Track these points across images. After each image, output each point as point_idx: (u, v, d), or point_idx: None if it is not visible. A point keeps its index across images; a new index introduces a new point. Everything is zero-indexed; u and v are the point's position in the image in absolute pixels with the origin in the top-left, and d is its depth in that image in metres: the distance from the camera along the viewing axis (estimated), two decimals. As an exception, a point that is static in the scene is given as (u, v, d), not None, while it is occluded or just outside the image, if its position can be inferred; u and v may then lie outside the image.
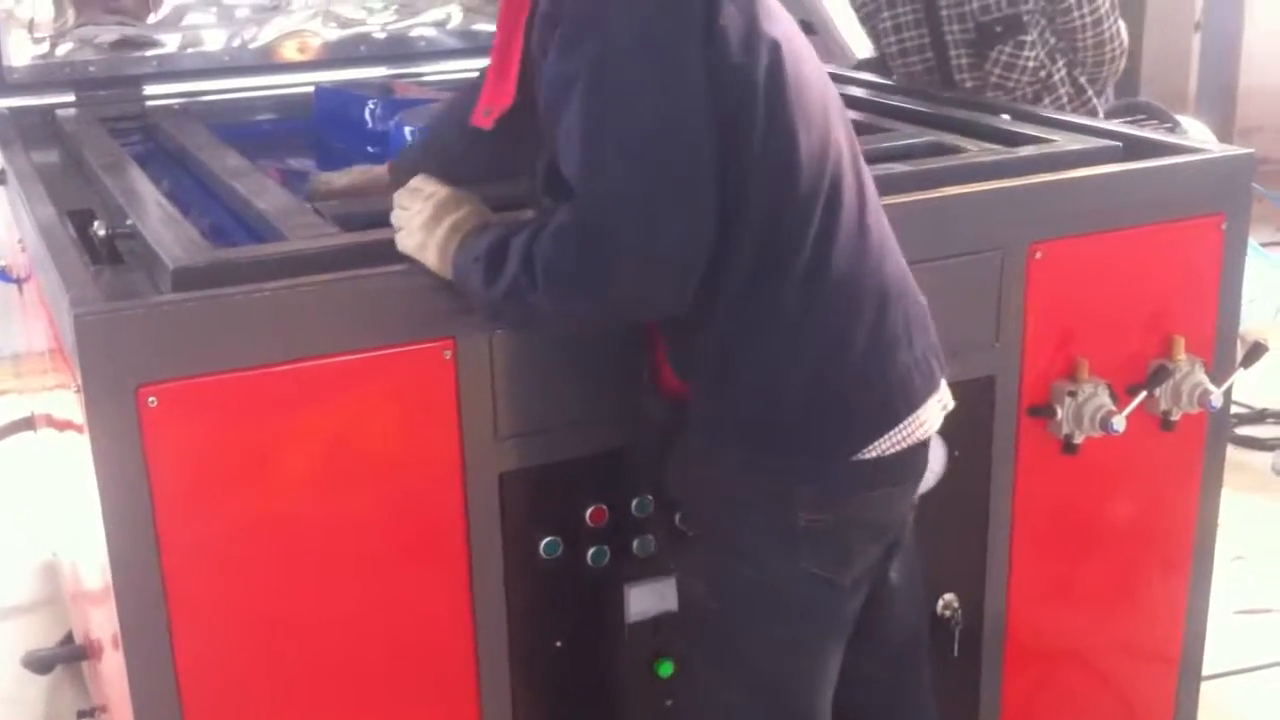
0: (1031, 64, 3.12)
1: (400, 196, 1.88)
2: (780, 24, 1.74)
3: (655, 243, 1.61)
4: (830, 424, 1.77)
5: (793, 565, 1.80)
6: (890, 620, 2.02)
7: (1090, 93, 3.24)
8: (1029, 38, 3.10)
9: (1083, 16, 3.12)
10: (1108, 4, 3.15)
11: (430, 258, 1.81)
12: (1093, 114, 3.18)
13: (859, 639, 1.98)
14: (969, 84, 3.16)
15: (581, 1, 1.65)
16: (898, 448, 1.78)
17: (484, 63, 3.32)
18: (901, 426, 1.78)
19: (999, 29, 3.10)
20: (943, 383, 1.87)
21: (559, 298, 1.66)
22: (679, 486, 1.89)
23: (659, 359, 1.84)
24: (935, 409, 1.85)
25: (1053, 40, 3.15)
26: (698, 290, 1.68)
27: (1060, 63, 3.17)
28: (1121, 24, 3.22)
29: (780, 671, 1.88)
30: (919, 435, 1.81)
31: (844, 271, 1.74)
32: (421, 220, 1.82)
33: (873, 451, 1.77)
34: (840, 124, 1.79)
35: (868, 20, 3.18)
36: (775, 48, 1.69)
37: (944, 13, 3.13)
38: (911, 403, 1.79)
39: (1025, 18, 3.09)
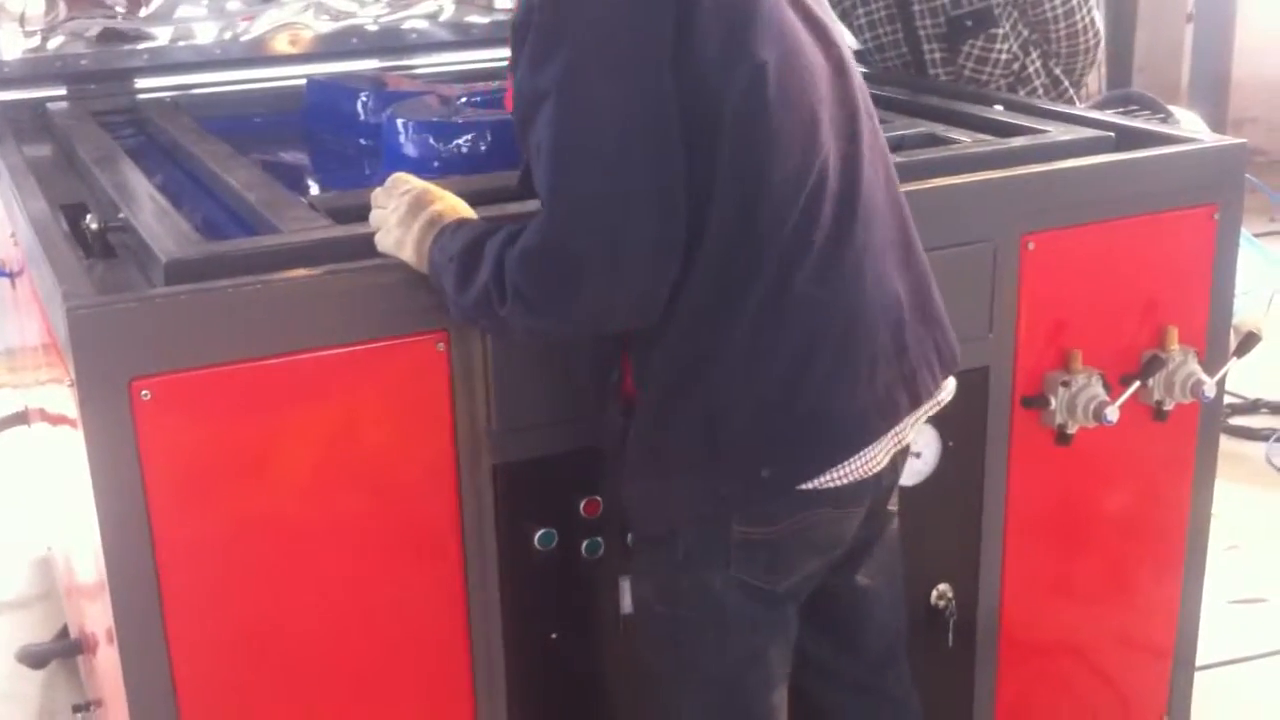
0: (1004, 57, 3.12)
1: (377, 195, 1.88)
2: (780, 42, 1.69)
3: (619, 264, 1.60)
4: (769, 457, 1.74)
5: (724, 573, 1.80)
6: (869, 625, 2.02)
7: (1067, 84, 3.24)
8: (1000, 30, 3.10)
9: (1054, 8, 3.12)
10: None
11: (407, 253, 1.81)
12: (1070, 106, 3.18)
13: (838, 645, 1.99)
14: (943, 78, 3.16)
15: (548, 15, 1.63)
16: (839, 483, 1.75)
17: (475, 55, 3.32)
18: (846, 464, 1.75)
19: (970, 23, 3.10)
20: (908, 417, 1.82)
21: (524, 316, 1.66)
22: (624, 492, 1.86)
23: (625, 365, 1.82)
24: (889, 444, 1.80)
25: (1025, 32, 3.15)
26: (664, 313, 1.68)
27: (1034, 54, 3.17)
28: (1096, 14, 3.22)
29: (726, 675, 1.87)
30: (864, 473, 1.77)
31: (807, 301, 1.70)
32: (398, 217, 1.82)
33: (811, 485, 1.75)
34: (835, 142, 1.74)
35: (844, 17, 3.19)
36: (758, 71, 1.66)
37: (916, 8, 3.13)
38: (862, 440, 1.75)
39: (996, 10, 3.08)
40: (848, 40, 2.87)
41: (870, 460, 1.76)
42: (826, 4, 1.87)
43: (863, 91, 1.84)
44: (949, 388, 1.90)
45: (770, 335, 1.70)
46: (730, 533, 1.77)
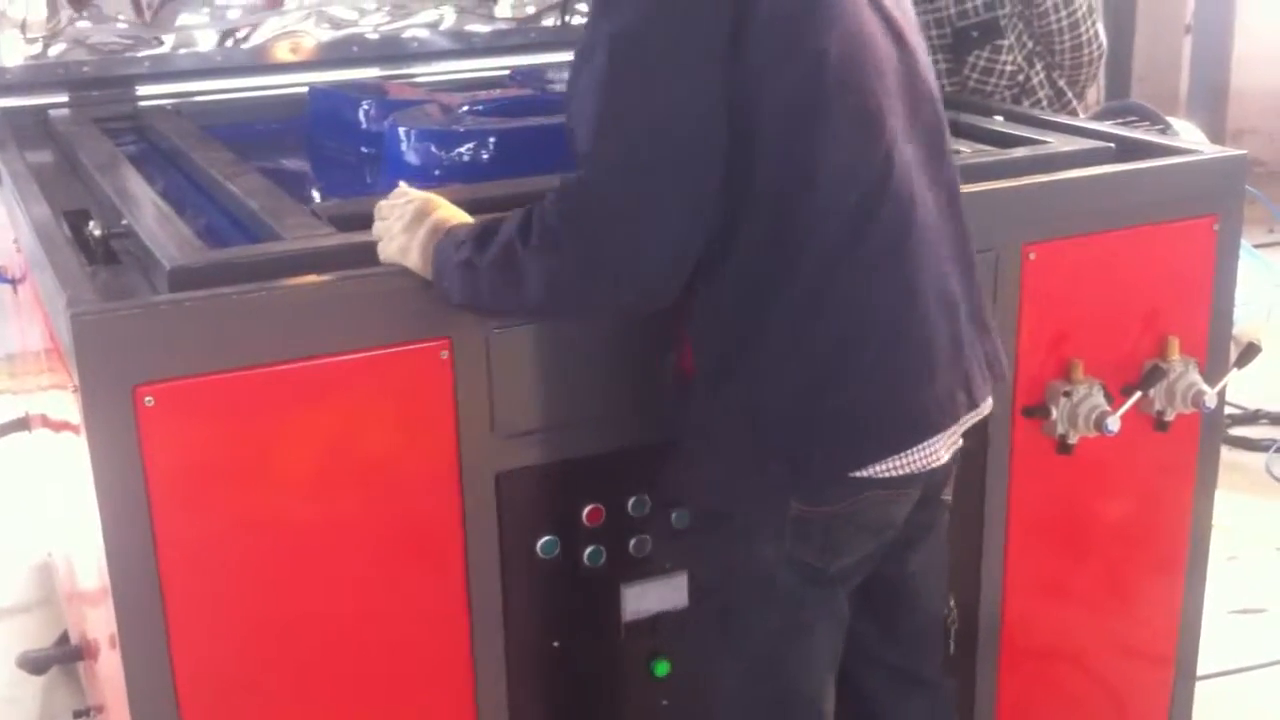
0: (1009, 68, 3.13)
1: (380, 208, 1.90)
2: (844, 31, 1.70)
3: (649, 220, 1.63)
4: (813, 442, 1.76)
5: (777, 549, 1.81)
6: (914, 612, 2.04)
7: (1070, 95, 3.25)
8: (1006, 42, 3.11)
9: (1060, 20, 3.13)
10: (1085, 7, 3.16)
11: (413, 257, 1.82)
12: (1073, 116, 3.18)
13: (881, 629, 2.01)
14: (947, 89, 3.17)
15: None
16: (895, 472, 1.78)
17: (476, 63, 3.33)
18: (904, 455, 1.77)
19: (975, 34, 3.11)
20: (966, 415, 1.85)
21: (547, 253, 1.68)
22: (681, 470, 1.89)
23: (686, 349, 1.84)
24: (948, 439, 1.84)
25: (1030, 44, 3.16)
26: (710, 287, 1.70)
27: (1038, 66, 3.18)
28: (1100, 26, 3.23)
29: (773, 654, 1.89)
30: (923, 465, 1.80)
31: (858, 289, 1.72)
32: (403, 224, 1.84)
33: (866, 472, 1.77)
34: (901, 138, 1.75)
35: None
36: (818, 58, 1.67)
37: (922, 19, 3.14)
38: (921, 434, 1.78)
39: (1002, 22, 3.09)
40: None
41: (931, 454, 1.80)
42: None
43: (933, 86, 1.86)
44: (990, 401, 1.92)
45: (812, 324, 1.72)
46: (786, 511, 1.79)
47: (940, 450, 1.82)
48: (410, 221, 1.83)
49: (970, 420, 1.87)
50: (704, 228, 1.66)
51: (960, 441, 1.90)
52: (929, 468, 1.81)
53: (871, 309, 1.74)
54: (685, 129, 1.63)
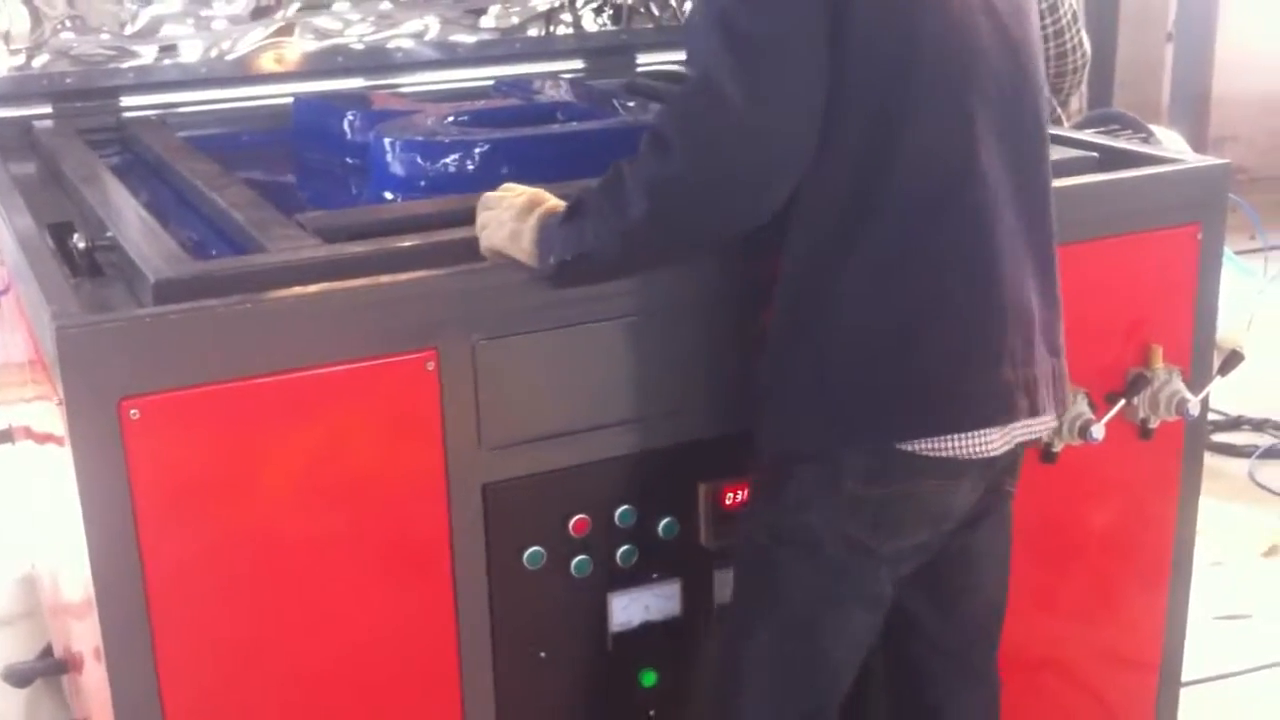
0: None
1: (487, 199, 1.95)
2: (944, 17, 1.77)
3: (756, 126, 1.70)
4: (876, 408, 1.81)
5: (833, 523, 1.86)
6: (975, 597, 2.08)
7: (1055, 103, 3.25)
8: None
9: (1045, 27, 3.13)
10: (1069, 15, 3.16)
11: (524, 242, 1.87)
12: (1057, 124, 3.19)
13: (941, 611, 2.04)
14: None
15: None
16: (944, 454, 1.82)
17: (461, 74, 3.33)
18: (955, 438, 1.81)
19: None
20: (1026, 419, 1.88)
21: (657, 157, 1.74)
22: (753, 423, 1.92)
23: (765, 310, 1.88)
24: (1006, 437, 1.87)
25: None
26: (792, 246, 1.78)
27: None
28: (1084, 35, 3.24)
29: (809, 618, 1.92)
30: (975, 453, 1.83)
31: (932, 274, 1.78)
32: (514, 212, 1.88)
33: (913, 448, 1.81)
34: (995, 144, 1.81)
35: None
36: (913, 45, 1.74)
37: None
38: (975, 421, 1.82)
39: None
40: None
41: (986, 444, 1.83)
42: None
43: (1040, 106, 1.91)
44: (1051, 418, 1.95)
45: (885, 297, 1.78)
46: (842, 485, 1.84)
47: (995, 442, 1.84)
48: (521, 209, 1.88)
49: (1031, 428, 1.91)
50: (810, 147, 1.73)
51: (1020, 441, 1.91)
52: (981, 456, 1.83)
53: (945, 294, 1.79)
54: (801, 48, 1.70)
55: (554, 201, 1.89)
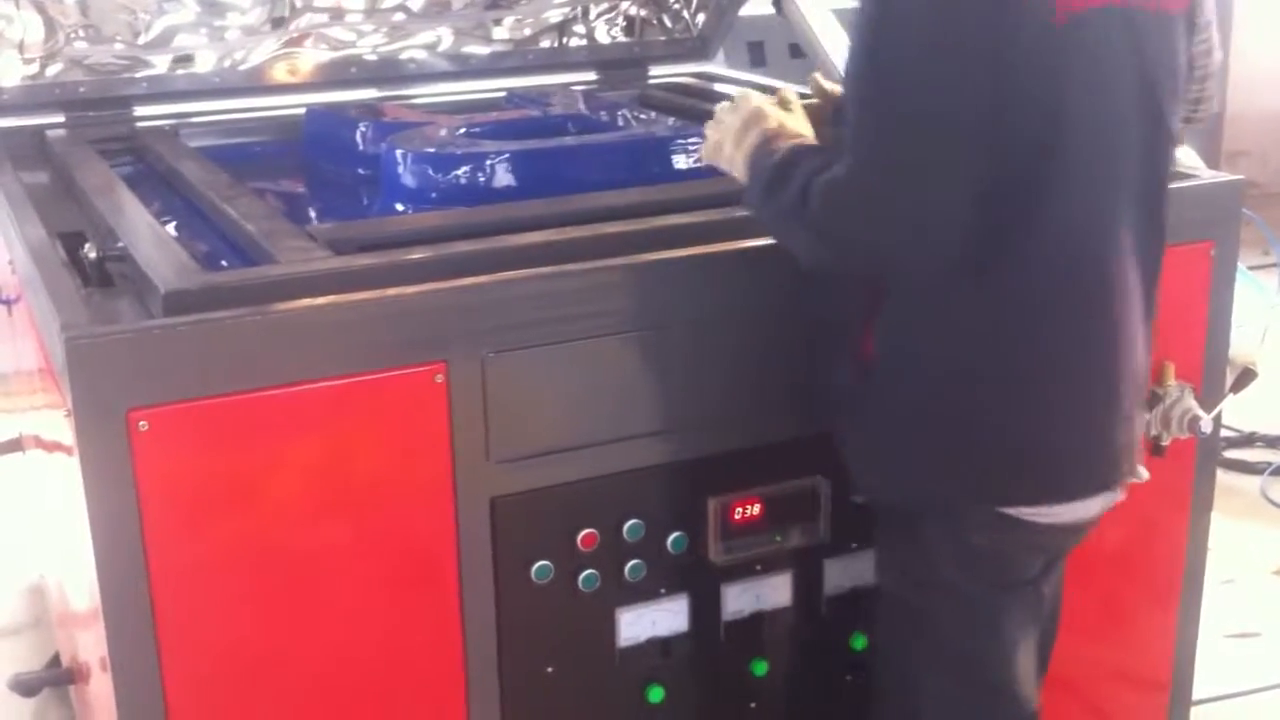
0: None
1: (721, 109, 1.94)
2: (1091, 77, 1.71)
3: (917, 211, 1.63)
4: (983, 466, 1.79)
5: (965, 569, 1.86)
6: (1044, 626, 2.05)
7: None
8: None
9: (1199, 44, 3.10)
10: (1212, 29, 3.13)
11: (738, 171, 1.87)
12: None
13: None
14: None
15: None
16: (1040, 519, 1.81)
17: (474, 85, 3.33)
18: (1057, 507, 1.82)
19: None
20: (1122, 483, 1.88)
21: (814, 247, 1.73)
22: (852, 452, 1.90)
23: (867, 325, 1.83)
24: (1102, 501, 1.87)
25: None
26: (908, 297, 1.76)
27: None
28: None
29: (971, 655, 1.92)
30: (1073, 519, 1.84)
31: (1053, 336, 1.75)
32: (732, 134, 1.88)
33: (1013, 511, 1.80)
34: (1129, 210, 1.79)
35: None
36: (1058, 113, 1.68)
37: None
38: (1083, 490, 1.83)
39: None
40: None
41: (1084, 511, 1.84)
42: None
43: (1167, 167, 1.90)
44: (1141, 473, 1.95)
45: (1015, 338, 1.74)
46: (966, 538, 1.83)
47: (1094, 507, 1.85)
48: (738, 131, 1.87)
49: (1119, 491, 1.89)
50: (965, 203, 1.64)
51: (1113, 500, 1.91)
52: (1079, 521, 1.85)
53: (1073, 351, 1.76)
54: (952, 128, 1.62)
55: (770, 125, 1.84)
